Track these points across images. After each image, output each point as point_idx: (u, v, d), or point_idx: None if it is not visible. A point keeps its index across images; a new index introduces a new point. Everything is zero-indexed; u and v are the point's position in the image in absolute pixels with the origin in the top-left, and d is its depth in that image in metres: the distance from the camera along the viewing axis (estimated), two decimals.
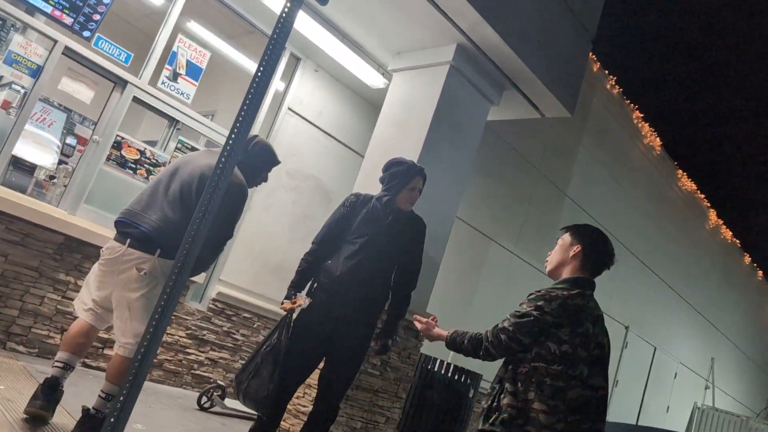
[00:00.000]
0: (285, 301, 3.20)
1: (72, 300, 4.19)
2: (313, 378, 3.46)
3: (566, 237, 2.66)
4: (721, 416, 12.86)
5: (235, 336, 5.25)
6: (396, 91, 4.85)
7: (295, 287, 3.29)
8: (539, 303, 2.42)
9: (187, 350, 4.94)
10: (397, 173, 3.34)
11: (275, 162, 3.33)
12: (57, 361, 2.90)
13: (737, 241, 13.52)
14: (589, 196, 8.99)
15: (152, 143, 5.08)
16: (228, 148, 2.21)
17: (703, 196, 11.91)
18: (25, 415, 2.82)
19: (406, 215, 3.37)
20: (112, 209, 4.74)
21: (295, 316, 3.22)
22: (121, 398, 2.00)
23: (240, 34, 5.81)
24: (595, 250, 2.58)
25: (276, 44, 2.21)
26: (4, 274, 3.92)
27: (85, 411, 2.79)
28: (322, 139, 5.85)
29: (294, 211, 5.64)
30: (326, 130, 5.86)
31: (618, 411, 10.20)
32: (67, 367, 2.91)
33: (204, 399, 4.42)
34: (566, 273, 2.57)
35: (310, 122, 5.70)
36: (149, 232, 2.82)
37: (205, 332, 5.05)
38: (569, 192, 8.57)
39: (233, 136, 2.22)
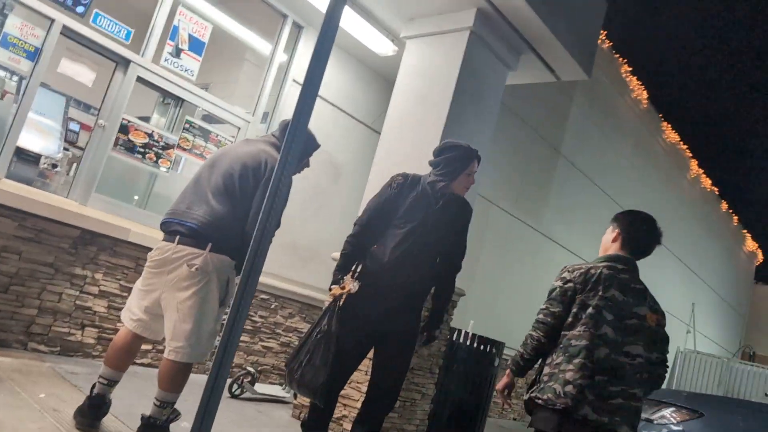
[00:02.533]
0: (333, 286, 3.04)
1: (89, 294, 4.03)
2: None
3: (611, 224, 2.83)
4: (702, 358, 13.39)
5: (253, 318, 5.14)
6: (411, 60, 4.66)
7: (341, 271, 3.11)
8: (563, 275, 2.63)
9: None
10: (454, 158, 3.16)
11: (316, 146, 3.17)
12: (102, 377, 2.78)
13: (715, 189, 13.82)
14: (582, 153, 9.01)
15: (145, 119, 4.80)
16: (288, 144, 2.07)
17: (685, 146, 12.07)
18: (77, 425, 2.71)
19: (456, 200, 3.25)
20: (124, 196, 4.53)
21: (341, 302, 3.10)
22: (198, 416, 1.88)
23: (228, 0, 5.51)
24: (634, 233, 2.74)
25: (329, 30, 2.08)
26: (20, 272, 3.72)
27: (145, 419, 2.69)
28: (330, 112, 5.65)
29: (304, 187, 5.48)
30: (334, 103, 5.66)
31: None
32: (112, 384, 2.81)
33: (235, 386, 4.33)
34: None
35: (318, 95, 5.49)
36: (198, 227, 2.68)
37: (223, 316, 4.92)
38: (563, 150, 8.56)
39: (294, 131, 2.08)
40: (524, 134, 7.65)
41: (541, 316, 2.61)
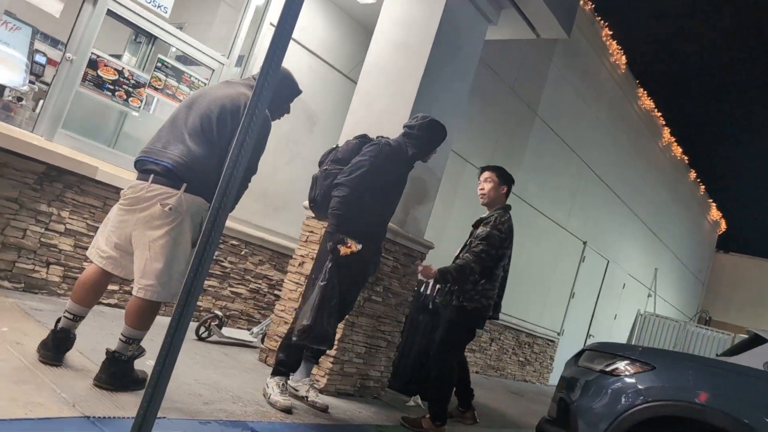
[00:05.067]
0: (341, 247, 3.32)
1: (55, 232, 3.98)
2: None
3: (498, 179, 4.12)
4: (661, 321, 13.88)
5: (223, 264, 5.15)
6: (391, 9, 4.57)
7: (342, 231, 3.37)
8: (501, 227, 3.94)
9: None
10: (434, 140, 3.73)
11: (298, 92, 3.15)
12: (67, 312, 2.78)
13: (685, 158, 14.05)
14: (558, 115, 9.04)
15: (116, 57, 4.66)
16: (262, 83, 2.04)
17: (659, 114, 12.19)
18: (41, 358, 2.71)
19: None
20: (92, 134, 4.43)
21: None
22: (161, 354, 1.89)
23: None
24: (510, 189, 4.21)
25: None
26: None
27: (110, 354, 2.70)
28: (306, 58, 5.55)
29: (277, 134, 5.39)
30: (310, 48, 5.55)
31: (574, 319, 10.82)
32: (78, 319, 2.80)
33: (202, 329, 4.37)
34: (498, 203, 4.10)
35: (294, 40, 5.35)
36: (173, 167, 2.66)
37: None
38: (539, 111, 8.58)
39: (267, 72, 2.05)
40: (500, 91, 7.62)
41: (483, 255, 3.84)
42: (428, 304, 4.92)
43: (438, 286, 4.89)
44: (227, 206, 2.14)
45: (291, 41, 5.55)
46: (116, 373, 2.70)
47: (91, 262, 2.85)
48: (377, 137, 3.66)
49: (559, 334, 10.42)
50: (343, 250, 3.29)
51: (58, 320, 2.78)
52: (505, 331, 8.77)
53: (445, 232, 7.03)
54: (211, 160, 2.70)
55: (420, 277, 4.08)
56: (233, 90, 2.89)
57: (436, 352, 4.04)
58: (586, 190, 10.34)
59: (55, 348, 2.73)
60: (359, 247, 3.30)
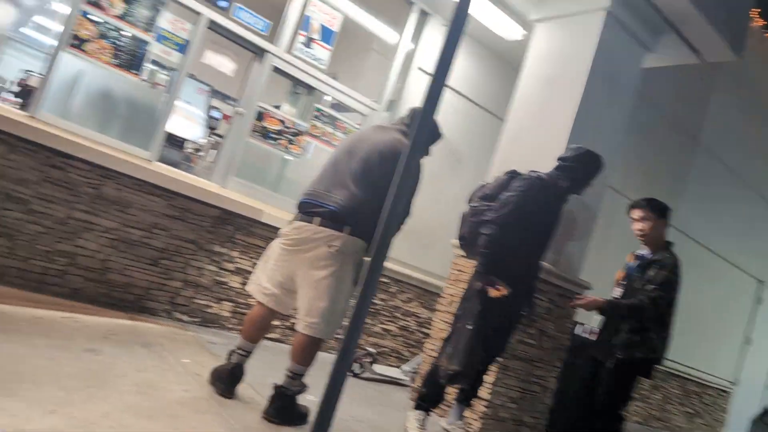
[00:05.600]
0: (491, 289, 3.22)
1: (227, 270, 4.33)
2: None
3: (649, 213, 3.75)
4: None
5: (374, 301, 5.27)
6: (541, 44, 4.51)
7: (491, 272, 3.26)
8: (674, 270, 3.63)
9: None
10: (589, 172, 3.54)
11: (440, 136, 3.20)
12: (239, 348, 2.98)
13: None
14: (724, 143, 8.25)
15: (276, 107, 5.04)
16: (417, 129, 2.10)
17: None
18: (216, 391, 2.93)
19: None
20: (258, 180, 4.80)
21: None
22: (326, 392, 1.95)
23: None
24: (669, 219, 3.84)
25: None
26: (168, 247, 4.07)
27: (277, 389, 2.85)
28: (452, 98, 5.62)
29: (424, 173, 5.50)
30: (456, 89, 5.62)
31: (752, 368, 9.64)
32: (248, 354, 3.00)
33: (356, 366, 4.48)
34: (660, 240, 3.77)
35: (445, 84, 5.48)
36: (338, 210, 2.79)
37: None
38: (702, 139, 7.90)
39: (423, 118, 2.11)
40: (658, 120, 7.15)
41: (660, 301, 3.56)
42: (586, 348, 4.64)
43: (598, 329, 4.61)
44: (386, 249, 2.21)
45: None
46: (283, 407, 2.84)
47: (254, 297, 3.05)
48: (528, 172, 3.52)
49: (733, 383, 9.31)
50: (493, 293, 3.17)
51: (229, 354, 3.00)
52: (669, 378, 8.02)
53: (600, 271, 6.64)
54: (371, 204, 2.78)
55: (580, 307, 3.85)
56: (388, 136, 3.00)
57: (604, 406, 3.73)
58: (762, 224, 9.27)
59: (229, 382, 2.94)
60: (509, 290, 3.17)
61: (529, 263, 3.46)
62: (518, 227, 3.27)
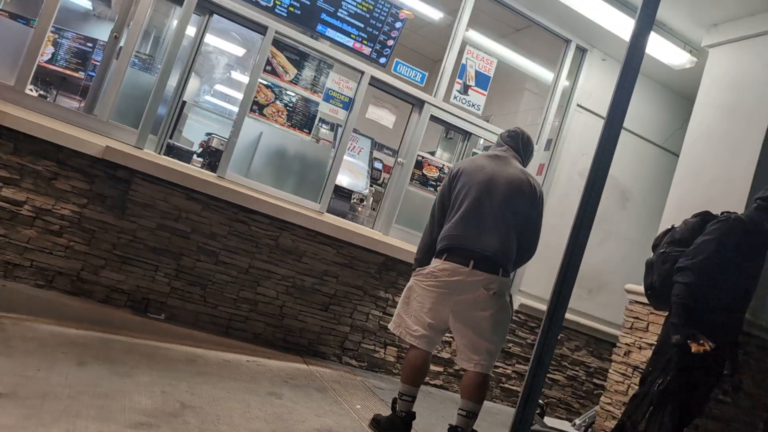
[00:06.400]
0: (693, 344, 2.92)
1: (390, 315, 4.41)
2: None
3: None
4: None
5: None
6: (716, 71, 4.16)
7: (691, 324, 2.96)
8: None
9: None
10: None
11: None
12: (405, 395, 3.02)
13: None
14: None
15: (429, 153, 5.15)
16: (595, 171, 2.09)
17: None
18: None
19: None
20: (417, 226, 4.89)
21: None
22: None
23: (509, 33, 5.63)
24: None
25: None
26: (336, 293, 4.26)
27: (452, 430, 2.87)
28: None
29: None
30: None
31: None
32: (413, 399, 3.04)
33: None
34: None
35: (601, 117, 5.25)
36: (492, 255, 2.89)
37: (510, 345, 4.96)
38: None
39: (600, 162, 2.09)
40: None
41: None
42: None
43: None
44: (566, 303, 2.27)
45: (599, 119, 5.46)
46: None
47: (403, 339, 3.10)
48: (722, 213, 3.19)
49: None
50: (695, 348, 2.86)
51: (394, 401, 3.05)
52: None
53: None
54: (516, 243, 2.97)
55: None
56: (517, 171, 3.07)
57: None
58: None
59: (404, 428, 2.98)
60: (712, 345, 2.85)
61: (730, 314, 3.09)
62: (718, 274, 2.97)
